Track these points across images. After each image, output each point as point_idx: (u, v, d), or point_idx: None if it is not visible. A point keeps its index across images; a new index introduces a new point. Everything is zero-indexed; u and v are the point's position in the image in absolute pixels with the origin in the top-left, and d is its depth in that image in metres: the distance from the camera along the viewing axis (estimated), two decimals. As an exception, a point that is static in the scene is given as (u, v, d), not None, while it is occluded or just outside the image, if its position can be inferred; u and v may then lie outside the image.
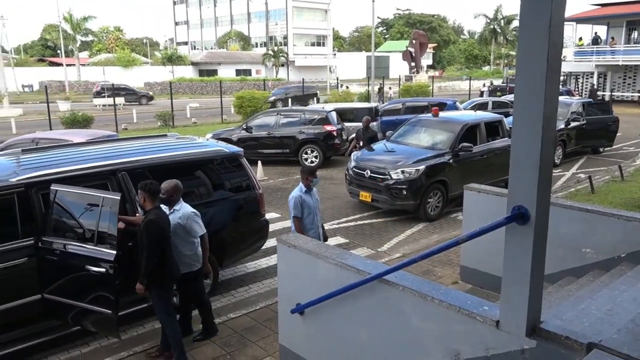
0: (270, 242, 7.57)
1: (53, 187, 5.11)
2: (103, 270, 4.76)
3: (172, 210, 5.19)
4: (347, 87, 38.07)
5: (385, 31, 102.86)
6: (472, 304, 3.31)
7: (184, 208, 5.24)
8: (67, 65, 54.83)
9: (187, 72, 64.25)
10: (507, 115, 13.39)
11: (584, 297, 4.28)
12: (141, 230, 4.77)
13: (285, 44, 72.36)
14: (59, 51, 62.60)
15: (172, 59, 66.11)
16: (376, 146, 11.19)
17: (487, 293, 5.77)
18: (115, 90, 29.99)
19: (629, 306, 3.51)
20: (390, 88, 35.61)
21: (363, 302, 3.86)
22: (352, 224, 9.77)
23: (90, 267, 4.81)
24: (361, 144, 11.93)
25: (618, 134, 17.55)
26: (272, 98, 30.04)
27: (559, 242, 5.10)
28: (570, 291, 4.87)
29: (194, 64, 68.49)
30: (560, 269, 5.47)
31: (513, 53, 67.22)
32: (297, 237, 4.66)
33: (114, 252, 4.77)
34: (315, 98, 33.33)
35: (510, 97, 20.93)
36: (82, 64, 59.98)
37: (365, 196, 10.05)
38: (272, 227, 7.67)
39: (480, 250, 5.97)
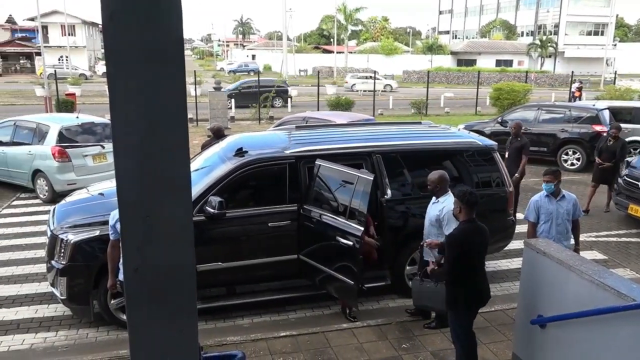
0: (514, 244, 7.15)
1: (317, 162, 5.70)
2: (350, 243, 5.15)
3: (436, 201, 5.25)
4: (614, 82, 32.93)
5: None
6: None
7: (448, 202, 5.04)
8: (337, 52, 60.14)
9: (446, 62, 64.13)
10: None
11: None
12: (445, 242, 4.53)
13: (556, 33, 66.14)
14: (332, 40, 69.07)
15: (432, 48, 66.74)
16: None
17: None
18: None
19: None
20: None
21: (620, 330, 3.37)
22: (614, 239, 8.55)
23: (340, 238, 5.25)
24: (506, 155, 9.19)
25: None
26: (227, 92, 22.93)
27: None
28: None
29: (453, 53, 67.96)
30: None
31: None
32: (548, 243, 4.30)
33: (362, 228, 5.11)
34: (283, 96, 26.39)
35: None
36: (349, 52, 65.05)
37: (636, 210, 8.66)
38: (517, 229, 7.21)
39: None
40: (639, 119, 14.28)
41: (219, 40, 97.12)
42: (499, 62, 62.31)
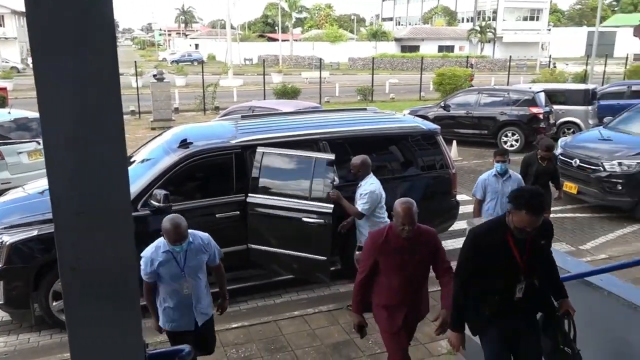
0: (460, 224, 7.38)
1: (265, 149, 5.67)
2: (322, 221, 5.35)
3: (359, 185, 5.37)
4: (555, 66, 34.42)
5: (614, 2, 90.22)
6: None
7: (366, 185, 5.25)
8: (282, 40, 59.72)
9: (390, 48, 64.92)
10: None
11: None
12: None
13: (494, 19, 68.19)
14: (276, 28, 68.49)
15: (376, 35, 67.39)
16: (589, 132, 10.01)
17: None
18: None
19: None
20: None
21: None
22: (551, 215, 8.97)
23: (308, 219, 5.40)
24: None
25: None
26: None
27: None
28: None
29: (397, 39, 68.86)
30: None
31: None
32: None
33: (331, 205, 5.34)
34: None
35: None
36: (294, 40, 64.73)
37: (570, 187, 9.11)
38: (461, 209, 7.44)
39: None
40: (572, 100, 14.98)
41: (161, 30, 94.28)
42: (441, 48, 63.65)
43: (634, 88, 16.41)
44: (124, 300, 1.70)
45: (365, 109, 8.11)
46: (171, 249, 3.70)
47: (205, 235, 3.98)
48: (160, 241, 3.78)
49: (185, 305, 3.87)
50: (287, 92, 22.37)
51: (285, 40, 62.06)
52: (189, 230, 3.76)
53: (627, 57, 35.17)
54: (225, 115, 10.79)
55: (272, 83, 28.47)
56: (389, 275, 3.67)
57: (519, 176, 5.88)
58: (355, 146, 6.26)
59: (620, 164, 8.46)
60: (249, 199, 5.69)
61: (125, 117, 20.54)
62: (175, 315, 3.88)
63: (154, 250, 3.77)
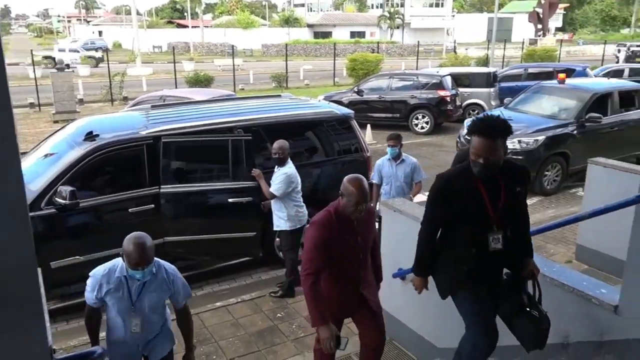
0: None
1: (170, 139, 5.60)
2: (250, 198, 5.79)
3: (277, 169, 5.42)
4: (455, 51, 36.18)
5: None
6: (588, 285, 3.10)
7: (283, 169, 5.35)
8: (192, 27, 57.93)
9: (303, 34, 65.04)
10: (646, 84, 12.01)
11: None
12: None
13: (403, 5, 70.26)
14: (185, 14, 66.29)
15: (289, 21, 67.21)
16: (491, 114, 10.61)
17: (605, 275, 5.35)
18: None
19: None
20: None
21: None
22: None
23: (234, 199, 5.75)
24: None
25: None
26: None
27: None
28: None
29: (309, 26, 69.10)
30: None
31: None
32: (403, 202, 4.62)
33: (254, 182, 5.66)
34: None
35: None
36: (205, 26, 63.03)
37: (477, 165, 9.65)
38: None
39: (601, 230, 5.52)
40: (476, 83, 15.83)
41: (59, 16, 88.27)
42: (353, 34, 64.74)
43: (530, 70, 17.65)
44: (25, 306, 1.60)
45: (280, 96, 8.09)
46: (128, 275, 3.00)
47: (171, 267, 3.20)
48: (117, 263, 3.06)
49: (132, 344, 3.14)
50: (200, 81, 21.82)
51: (195, 27, 60.25)
52: (156, 259, 3.08)
53: (523, 42, 37.63)
54: (134, 105, 10.34)
55: (184, 71, 27.57)
56: (342, 269, 3.31)
57: (414, 160, 6.04)
58: (271, 133, 6.24)
59: (520, 141, 9.06)
60: (163, 190, 5.53)
61: (23, 110, 19.15)
62: (119, 352, 3.16)
63: (107, 273, 3.04)
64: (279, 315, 5.26)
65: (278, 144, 5.37)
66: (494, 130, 2.78)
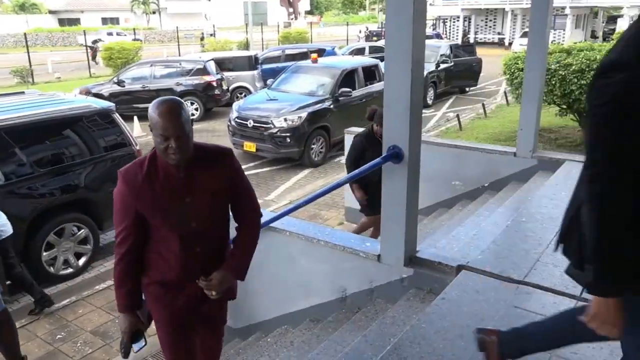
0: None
1: None
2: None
3: None
4: (205, 36, 36.26)
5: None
6: (355, 242, 3.49)
7: None
8: None
9: (46, 22, 57.87)
10: (382, 59, 13.82)
11: (454, 225, 4.69)
12: None
13: (156, -11, 67.49)
14: None
15: (25, 7, 59.08)
16: (257, 95, 11.05)
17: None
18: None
19: (491, 229, 3.91)
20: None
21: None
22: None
23: None
24: None
25: (481, 74, 18.92)
26: None
27: (432, 177, 5.48)
28: (442, 221, 5.31)
29: (52, 12, 61.73)
30: (434, 202, 5.93)
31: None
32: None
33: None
34: None
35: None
36: None
37: (250, 146, 9.98)
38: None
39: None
40: (239, 66, 16.20)
41: None
42: (105, 20, 60.00)
43: (287, 52, 18.75)
44: None
45: (23, 93, 7.12)
46: None
47: None
48: None
49: None
50: None
51: None
52: None
53: (278, 25, 39.72)
54: None
55: None
56: (161, 235, 2.31)
57: None
58: (18, 136, 5.49)
59: (286, 119, 9.63)
60: None
61: None
62: None
63: None
64: (59, 336, 4.73)
65: None
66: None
